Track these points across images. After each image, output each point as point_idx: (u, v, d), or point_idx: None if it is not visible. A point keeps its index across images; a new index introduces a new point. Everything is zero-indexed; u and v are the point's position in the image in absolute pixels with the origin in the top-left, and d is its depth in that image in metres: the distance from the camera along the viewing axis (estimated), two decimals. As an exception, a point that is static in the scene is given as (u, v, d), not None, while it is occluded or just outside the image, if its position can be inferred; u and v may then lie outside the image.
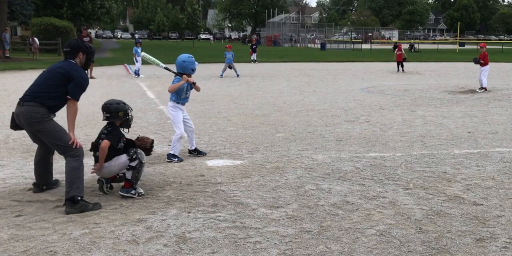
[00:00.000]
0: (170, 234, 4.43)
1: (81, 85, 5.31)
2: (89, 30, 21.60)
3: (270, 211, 5.00)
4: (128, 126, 5.68)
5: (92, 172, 5.69)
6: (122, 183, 5.51)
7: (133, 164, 5.43)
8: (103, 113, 5.60)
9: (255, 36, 78.70)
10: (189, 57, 7.31)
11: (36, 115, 5.15)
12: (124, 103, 5.66)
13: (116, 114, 5.52)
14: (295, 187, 5.82)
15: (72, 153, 5.13)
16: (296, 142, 8.32)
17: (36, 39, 33.81)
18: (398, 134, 9.04)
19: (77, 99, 5.36)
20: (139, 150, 5.56)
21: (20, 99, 5.32)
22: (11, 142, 8.34)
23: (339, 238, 4.35)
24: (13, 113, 5.39)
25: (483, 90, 16.20)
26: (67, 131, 5.30)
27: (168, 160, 7.06)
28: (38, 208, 5.08)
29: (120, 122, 5.61)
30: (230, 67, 21.56)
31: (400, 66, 25.13)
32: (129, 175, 5.44)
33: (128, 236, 4.37)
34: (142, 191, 5.50)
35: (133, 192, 5.43)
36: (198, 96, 14.76)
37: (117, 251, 4.08)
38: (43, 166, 5.65)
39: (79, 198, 4.96)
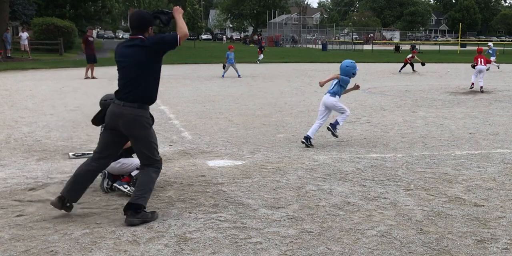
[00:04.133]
0: (171, 234, 4.44)
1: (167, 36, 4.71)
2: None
3: (271, 212, 5.00)
4: None
5: None
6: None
7: None
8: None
9: (257, 37, 78.73)
10: (351, 62, 8.30)
11: (140, 119, 4.65)
12: None
13: None
14: (296, 187, 5.83)
15: (156, 165, 4.79)
16: (297, 143, 8.32)
17: (23, 35, 33.38)
18: (399, 135, 9.04)
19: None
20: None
21: (119, 98, 4.75)
22: (13, 142, 8.35)
23: (340, 239, 4.35)
24: (103, 110, 5.10)
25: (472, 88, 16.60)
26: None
27: (330, 129, 8.13)
28: (39, 208, 5.09)
29: None
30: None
31: (410, 66, 25.51)
32: (134, 173, 5.50)
33: (129, 236, 4.38)
34: None
35: (126, 186, 5.44)
36: (199, 96, 14.78)
37: (118, 251, 4.08)
38: (85, 180, 4.88)
39: (142, 208, 4.71)
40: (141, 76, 4.70)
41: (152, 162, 4.76)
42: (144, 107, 4.71)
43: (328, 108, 8.30)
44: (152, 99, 4.81)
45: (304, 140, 8.03)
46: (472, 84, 16.91)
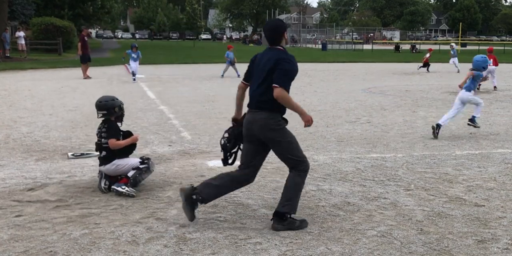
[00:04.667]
0: (170, 234, 4.42)
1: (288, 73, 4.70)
2: (90, 30, 21.64)
3: (270, 212, 4.97)
4: (122, 120, 5.83)
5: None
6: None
7: (141, 166, 5.58)
8: (99, 111, 5.66)
9: (257, 36, 78.67)
10: (481, 57, 8.87)
11: (270, 122, 4.57)
12: (116, 98, 5.80)
13: (112, 110, 5.65)
14: (296, 187, 5.80)
15: (302, 167, 4.60)
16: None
17: (20, 34, 33.27)
18: (399, 135, 9.02)
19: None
20: (152, 161, 5.73)
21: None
22: (11, 142, 8.33)
23: (340, 239, 4.33)
24: (239, 119, 4.94)
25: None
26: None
27: (471, 124, 9.10)
28: (38, 208, 5.07)
29: (115, 117, 5.71)
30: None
31: (426, 67, 26.27)
32: (131, 173, 5.51)
33: (128, 237, 4.36)
34: (134, 192, 5.46)
35: (124, 187, 5.44)
36: (198, 96, 14.75)
37: (117, 251, 4.07)
38: (228, 186, 4.72)
39: (289, 215, 4.57)
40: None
41: (295, 164, 4.59)
42: (274, 110, 4.63)
43: (463, 103, 8.87)
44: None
45: (435, 126, 8.71)
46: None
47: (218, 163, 6.97)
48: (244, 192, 5.60)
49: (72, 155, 7.30)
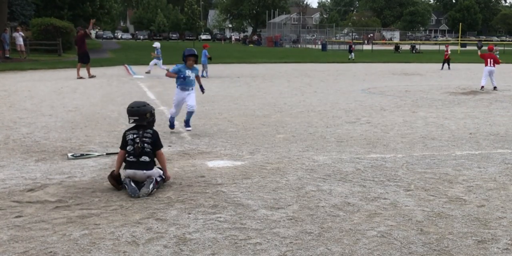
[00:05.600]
0: (170, 235, 4.42)
1: None
2: (90, 31, 21.64)
3: (270, 212, 4.98)
4: (153, 125, 5.92)
5: (166, 181, 5.86)
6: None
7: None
8: (130, 117, 5.70)
9: (256, 37, 78.61)
10: None
11: None
12: (148, 104, 5.86)
13: (144, 116, 5.71)
14: (295, 188, 5.81)
15: None
16: (296, 143, 8.30)
17: (18, 34, 33.23)
18: (399, 135, 9.02)
19: None
20: (152, 186, 5.65)
21: None
22: (11, 142, 8.33)
23: (339, 240, 4.33)
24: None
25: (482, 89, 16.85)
26: None
27: None
28: (38, 209, 5.07)
29: (146, 123, 5.79)
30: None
31: (447, 64, 27.82)
32: (159, 179, 5.73)
33: (128, 237, 4.36)
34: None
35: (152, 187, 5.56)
36: (198, 96, 14.73)
37: (117, 252, 4.06)
38: None
39: None
40: None
41: None
42: None
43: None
44: None
45: None
46: (482, 87, 16.84)
47: (218, 163, 7.00)
48: (244, 193, 5.60)
49: (72, 155, 7.30)
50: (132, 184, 5.51)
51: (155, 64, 22.93)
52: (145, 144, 5.64)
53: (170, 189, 5.75)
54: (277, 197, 5.47)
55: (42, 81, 18.98)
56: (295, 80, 20.28)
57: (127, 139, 5.70)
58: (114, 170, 5.79)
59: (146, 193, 5.44)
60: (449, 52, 28.41)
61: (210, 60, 21.60)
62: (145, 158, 5.64)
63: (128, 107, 5.79)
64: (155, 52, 22.87)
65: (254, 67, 28.34)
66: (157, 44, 23.55)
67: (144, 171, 5.62)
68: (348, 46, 43.15)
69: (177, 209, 5.05)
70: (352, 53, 37.92)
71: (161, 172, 5.82)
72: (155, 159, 5.78)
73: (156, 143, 5.73)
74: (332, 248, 4.17)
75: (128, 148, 5.68)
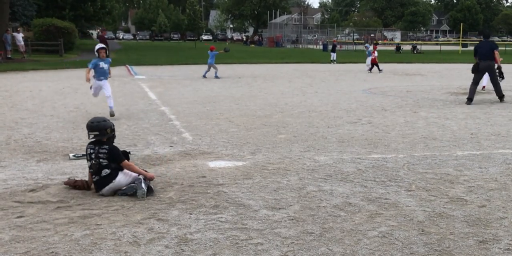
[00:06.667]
0: (171, 235, 4.42)
1: None
2: (90, 31, 21.72)
3: (272, 213, 4.98)
4: (113, 141, 5.84)
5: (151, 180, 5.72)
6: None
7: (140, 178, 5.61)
8: (90, 132, 5.67)
9: (257, 37, 78.59)
10: None
11: None
12: (108, 119, 5.85)
13: (105, 131, 5.68)
14: (297, 188, 5.81)
15: None
16: (298, 144, 8.30)
17: (18, 35, 33.18)
18: (400, 136, 9.02)
19: None
20: (144, 185, 5.50)
21: None
22: (13, 143, 8.34)
23: (341, 240, 4.33)
24: None
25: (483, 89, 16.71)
26: None
27: None
28: (40, 209, 5.07)
29: (106, 139, 5.70)
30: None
31: (376, 67, 26.68)
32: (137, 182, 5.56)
33: (130, 238, 4.36)
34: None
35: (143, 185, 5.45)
36: (199, 97, 14.76)
37: (118, 252, 4.07)
38: None
39: None
40: None
41: None
42: None
43: None
44: None
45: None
46: (483, 87, 16.81)
47: (219, 163, 7.00)
48: (245, 193, 5.60)
49: (73, 156, 7.31)
50: (143, 185, 5.46)
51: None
52: (100, 160, 5.55)
53: (172, 189, 5.75)
54: (278, 197, 5.47)
55: (43, 82, 18.99)
56: (296, 81, 20.28)
57: (87, 153, 5.68)
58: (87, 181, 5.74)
59: (143, 193, 5.39)
60: (376, 54, 26.02)
61: (227, 52, 23.36)
62: (106, 171, 5.55)
63: (88, 122, 5.74)
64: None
65: (255, 68, 28.34)
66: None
67: (110, 184, 5.52)
68: (331, 45, 36.60)
69: (178, 210, 5.06)
70: (334, 54, 33.50)
71: (132, 173, 5.64)
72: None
73: (114, 158, 5.58)
74: (334, 248, 4.17)
75: (87, 163, 5.68)
